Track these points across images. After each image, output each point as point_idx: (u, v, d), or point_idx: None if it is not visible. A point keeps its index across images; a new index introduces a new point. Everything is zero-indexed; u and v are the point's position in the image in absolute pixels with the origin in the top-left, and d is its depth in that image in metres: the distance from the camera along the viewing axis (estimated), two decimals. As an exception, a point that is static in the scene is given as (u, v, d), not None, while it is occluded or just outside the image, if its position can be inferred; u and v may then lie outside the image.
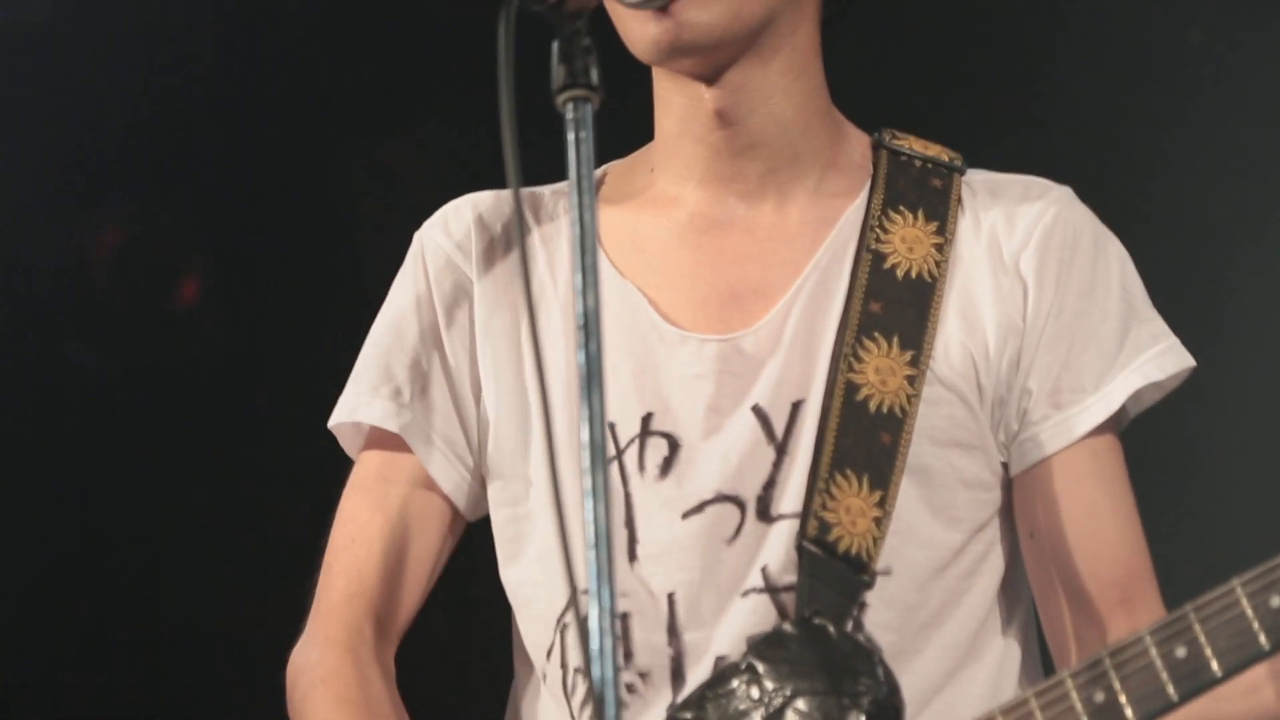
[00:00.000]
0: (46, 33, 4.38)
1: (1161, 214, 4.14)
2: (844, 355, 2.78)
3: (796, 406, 2.78)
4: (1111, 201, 2.95)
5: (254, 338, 4.38)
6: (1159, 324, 2.86)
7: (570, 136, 2.35)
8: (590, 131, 2.34)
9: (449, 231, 2.96)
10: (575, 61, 2.34)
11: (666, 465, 2.80)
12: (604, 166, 2.99)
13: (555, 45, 2.35)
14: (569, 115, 2.34)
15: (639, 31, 2.76)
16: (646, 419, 2.81)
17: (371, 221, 4.30)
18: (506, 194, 2.97)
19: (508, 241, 2.95)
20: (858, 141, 2.94)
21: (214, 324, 4.48)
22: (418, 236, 2.99)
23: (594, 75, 2.33)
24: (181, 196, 4.48)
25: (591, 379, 2.27)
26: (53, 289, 4.49)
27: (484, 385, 2.90)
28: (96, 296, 4.49)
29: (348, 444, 2.98)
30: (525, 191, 2.95)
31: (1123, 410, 2.81)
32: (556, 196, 2.97)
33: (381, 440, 2.93)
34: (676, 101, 2.87)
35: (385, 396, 2.92)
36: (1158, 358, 2.82)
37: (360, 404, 2.94)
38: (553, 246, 2.92)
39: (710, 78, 2.82)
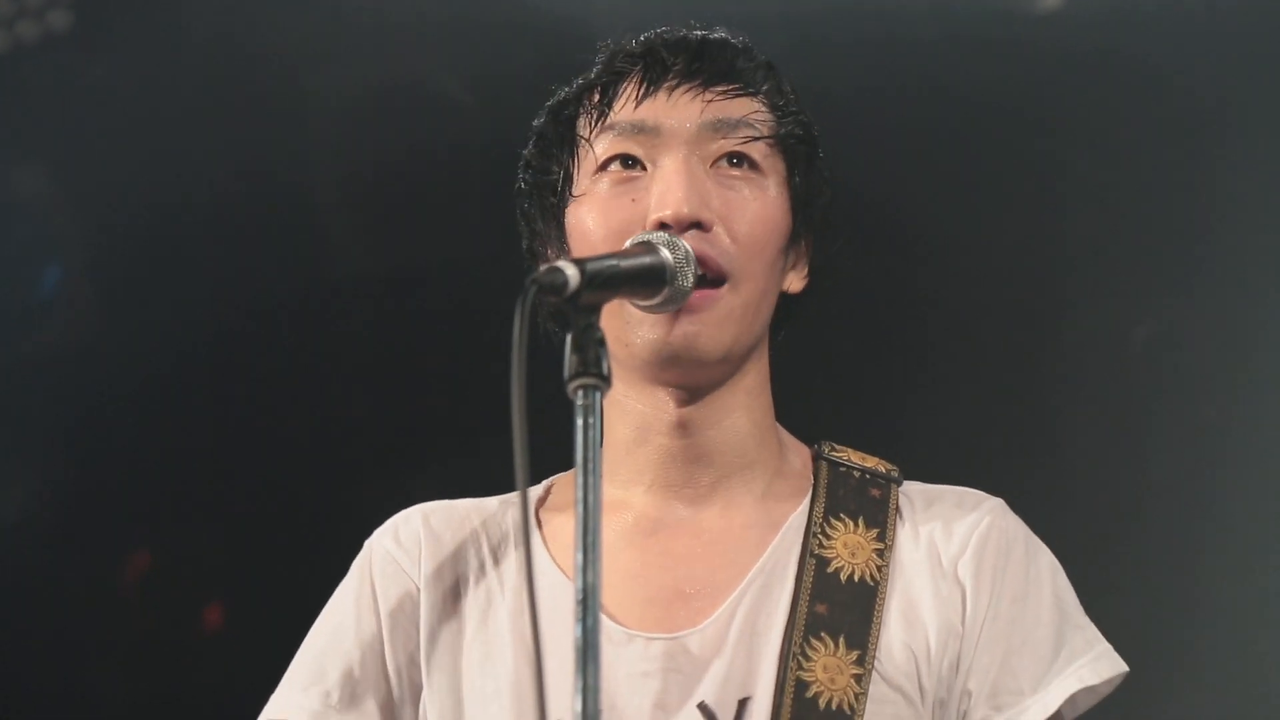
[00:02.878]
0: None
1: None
2: (793, 654, 2.87)
3: (743, 704, 2.87)
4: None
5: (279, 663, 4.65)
6: (1092, 631, 2.98)
7: (579, 421, 2.47)
8: (598, 418, 2.47)
9: (399, 539, 3.05)
10: (587, 351, 2.49)
11: None
12: (549, 479, 3.09)
13: (569, 337, 2.50)
14: (579, 401, 2.47)
15: (648, 334, 2.89)
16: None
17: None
18: (459, 504, 3.07)
19: (456, 551, 3.02)
20: (799, 452, 3.08)
21: (238, 651, 4.66)
22: (367, 544, 3.07)
23: (605, 366, 2.48)
24: (207, 525, 4.71)
25: (588, 652, 2.39)
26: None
27: (426, 690, 2.97)
28: (124, 621, 4.71)
29: None
30: (473, 502, 3.08)
31: (1058, 715, 2.91)
32: (505, 505, 3.07)
33: None
34: (637, 409, 2.97)
35: (315, 697, 2.98)
36: (1093, 662, 2.94)
37: (290, 702, 2.99)
38: (500, 555, 3.02)
39: (688, 389, 2.96)
